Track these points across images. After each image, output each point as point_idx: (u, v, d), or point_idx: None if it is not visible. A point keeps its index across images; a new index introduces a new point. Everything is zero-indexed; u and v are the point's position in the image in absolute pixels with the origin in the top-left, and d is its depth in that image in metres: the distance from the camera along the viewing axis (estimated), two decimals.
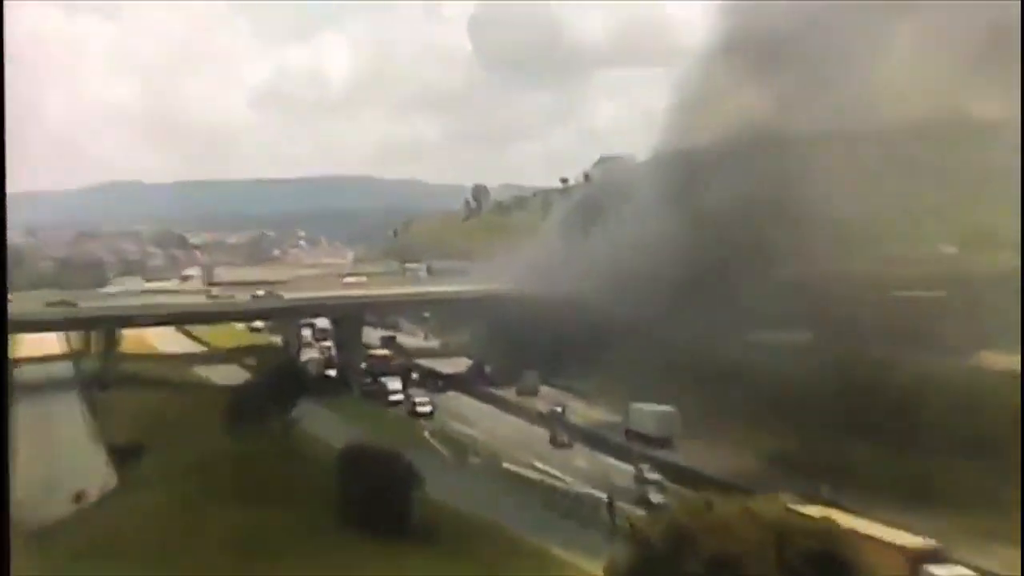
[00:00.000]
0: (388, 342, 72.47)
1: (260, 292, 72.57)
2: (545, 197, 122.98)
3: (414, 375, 61.44)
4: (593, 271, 56.51)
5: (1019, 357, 32.27)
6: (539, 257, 66.83)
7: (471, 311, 66.75)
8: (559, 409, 49.98)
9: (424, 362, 66.41)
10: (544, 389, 56.26)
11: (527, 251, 71.10)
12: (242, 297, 69.73)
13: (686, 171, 54.93)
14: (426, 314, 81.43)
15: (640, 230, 56.27)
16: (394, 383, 57.04)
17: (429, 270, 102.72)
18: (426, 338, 79.85)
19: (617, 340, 48.16)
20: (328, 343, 70.48)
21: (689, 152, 57.76)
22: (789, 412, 37.09)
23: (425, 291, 74.74)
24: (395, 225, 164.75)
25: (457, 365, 65.09)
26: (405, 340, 76.74)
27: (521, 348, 56.79)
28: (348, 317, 65.51)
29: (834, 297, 40.94)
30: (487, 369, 62.44)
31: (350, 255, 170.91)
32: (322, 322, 73.76)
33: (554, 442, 45.12)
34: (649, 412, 44.33)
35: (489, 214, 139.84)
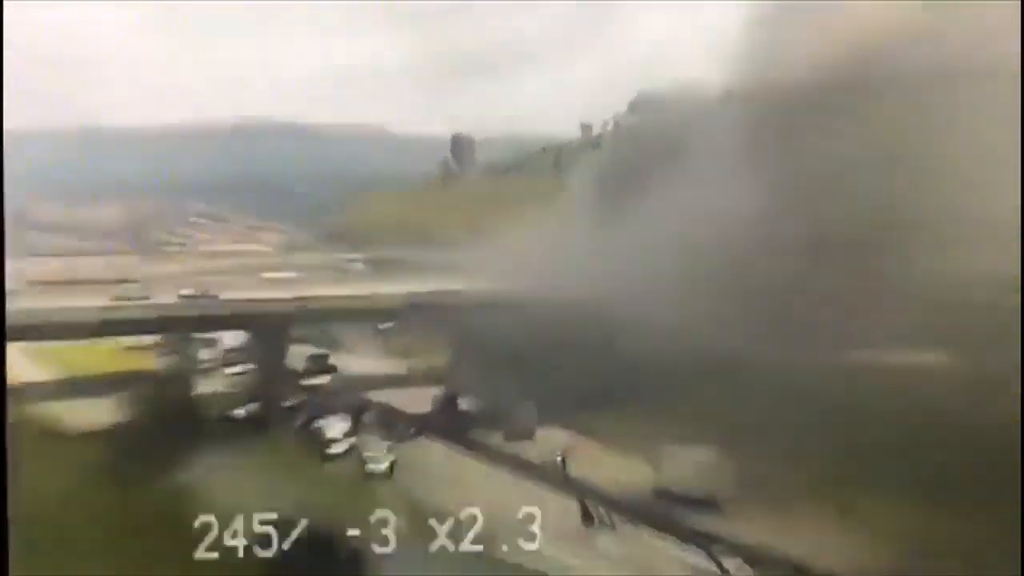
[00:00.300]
0: (322, 364, 72.93)
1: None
2: (557, 154, 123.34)
3: (365, 416, 61.84)
4: (624, 264, 56.77)
5: None
6: (545, 243, 67.08)
7: (448, 321, 66.95)
8: (559, 458, 50.55)
9: (381, 396, 66.78)
10: (542, 432, 57.10)
11: (529, 234, 71.29)
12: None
13: (770, 118, 55.15)
14: (383, 325, 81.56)
15: (696, 203, 56.49)
16: (335, 427, 57.50)
17: (382, 262, 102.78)
18: (383, 360, 79.97)
19: (655, 361, 48.44)
20: (238, 368, 70.68)
21: (776, 89, 57.89)
22: (905, 463, 37.43)
23: (382, 293, 74.89)
24: (340, 195, 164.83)
25: (427, 399, 65.48)
26: (352, 363, 76.96)
27: (516, 374, 57.09)
28: (268, 331, 65.68)
29: (980, 304, 41.27)
30: (461, 404, 63.16)
31: (271, 240, 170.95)
32: (230, 339, 73.93)
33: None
34: (685, 460, 44.94)
35: (476, 178, 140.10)
